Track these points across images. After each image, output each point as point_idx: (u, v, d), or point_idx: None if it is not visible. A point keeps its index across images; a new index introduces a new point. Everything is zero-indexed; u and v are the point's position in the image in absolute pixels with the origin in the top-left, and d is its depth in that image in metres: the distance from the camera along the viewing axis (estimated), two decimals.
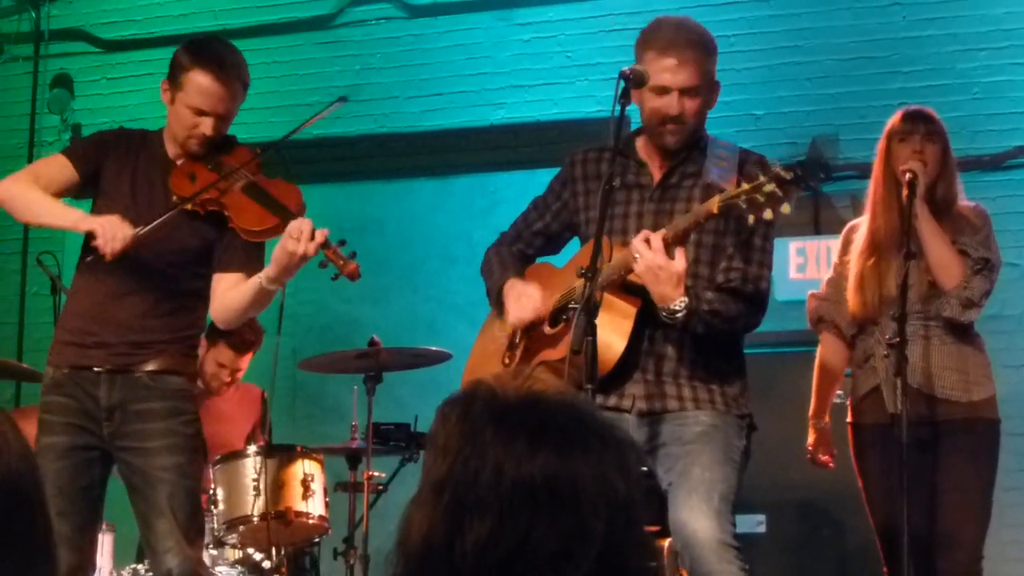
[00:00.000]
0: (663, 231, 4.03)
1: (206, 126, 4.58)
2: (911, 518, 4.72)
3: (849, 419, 5.20)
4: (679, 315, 4.06)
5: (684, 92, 4.20)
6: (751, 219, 3.94)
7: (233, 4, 8.99)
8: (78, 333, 4.61)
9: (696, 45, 4.22)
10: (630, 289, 4.14)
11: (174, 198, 4.61)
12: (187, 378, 4.70)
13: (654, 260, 3.97)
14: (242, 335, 6.50)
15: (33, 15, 9.56)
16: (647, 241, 4.00)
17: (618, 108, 4.00)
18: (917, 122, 5.06)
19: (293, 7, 9.05)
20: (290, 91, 8.80)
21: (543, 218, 4.56)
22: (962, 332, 5.01)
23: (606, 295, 4.10)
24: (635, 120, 4.41)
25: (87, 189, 4.74)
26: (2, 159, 9.36)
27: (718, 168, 4.20)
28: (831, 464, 5.38)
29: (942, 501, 4.93)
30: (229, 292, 4.63)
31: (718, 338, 4.27)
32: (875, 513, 5.08)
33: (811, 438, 5.38)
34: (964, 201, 5.13)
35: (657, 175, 4.35)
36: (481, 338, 4.68)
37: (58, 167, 4.69)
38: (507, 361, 4.43)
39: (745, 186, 3.90)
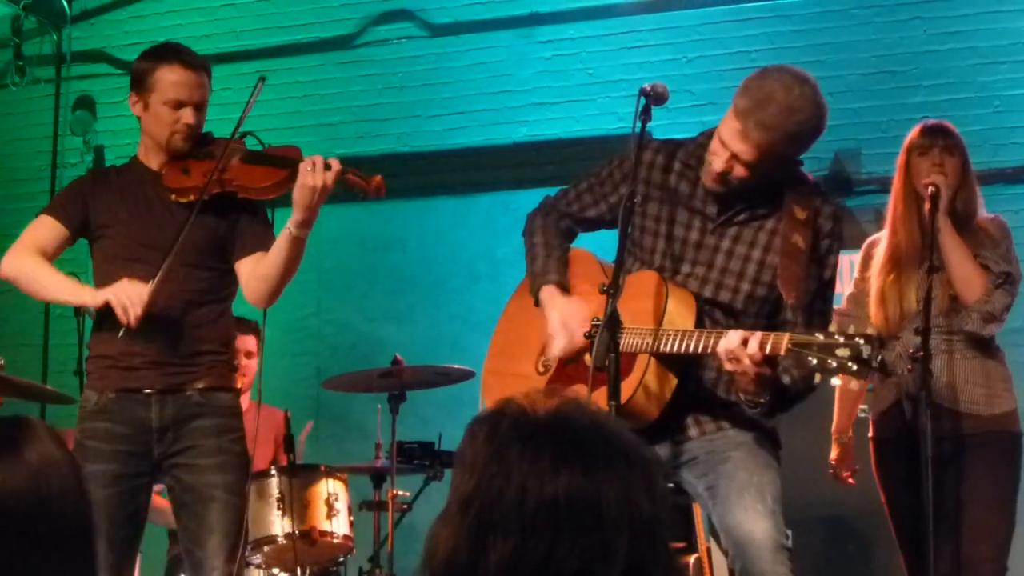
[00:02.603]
0: (764, 342, 3.78)
1: (187, 116, 4.62)
2: (935, 532, 4.71)
3: (871, 434, 5.20)
4: (761, 407, 3.97)
5: (736, 157, 3.98)
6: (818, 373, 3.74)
7: (255, 24, 9.02)
8: (124, 356, 4.58)
9: (773, 131, 3.92)
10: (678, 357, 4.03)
11: (172, 197, 4.62)
12: (234, 395, 4.73)
13: (752, 369, 3.80)
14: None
15: (55, 37, 9.61)
16: (744, 343, 3.79)
17: (639, 125, 3.94)
18: (936, 136, 5.05)
19: (315, 27, 9.07)
20: (312, 111, 8.84)
21: (598, 206, 4.37)
22: (984, 346, 5.00)
23: (653, 360, 4.00)
24: (656, 134, 4.36)
25: (83, 235, 4.74)
26: (25, 180, 9.43)
27: (792, 221, 4.05)
28: (852, 481, 5.39)
29: (965, 514, 4.92)
30: (259, 263, 4.61)
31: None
32: (899, 527, 5.07)
33: (834, 453, 5.42)
34: (983, 213, 5.13)
35: (721, 207, 4.16)
36: (515, 306, 4.53)
37: (48, 229, 4.69)
38: (541, 370, 4.33)
39: (819, 336, 3.71)
